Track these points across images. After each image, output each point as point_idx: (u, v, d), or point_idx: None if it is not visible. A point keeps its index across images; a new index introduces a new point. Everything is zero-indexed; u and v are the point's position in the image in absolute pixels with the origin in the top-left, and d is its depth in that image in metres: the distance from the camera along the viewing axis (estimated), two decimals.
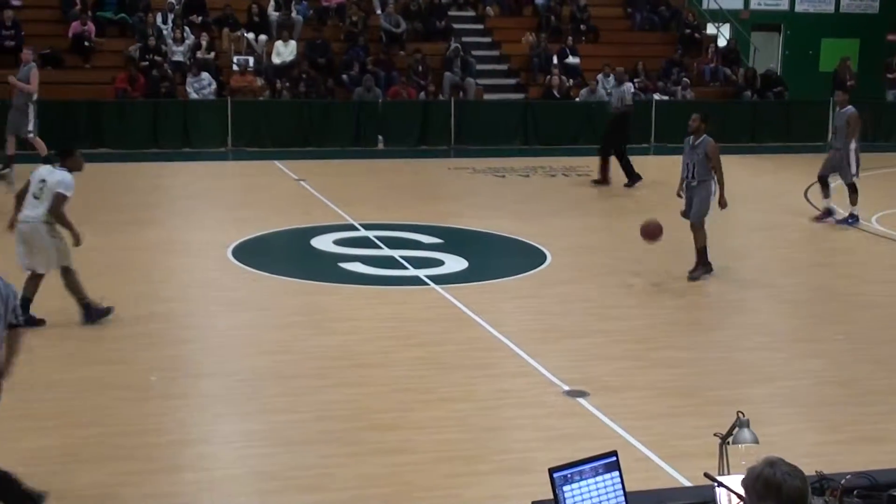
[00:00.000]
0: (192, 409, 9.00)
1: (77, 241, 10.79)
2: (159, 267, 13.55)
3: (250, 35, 25.83)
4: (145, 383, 9.40)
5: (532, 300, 12.29)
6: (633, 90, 21.82)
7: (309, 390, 9.30)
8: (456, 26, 27.82)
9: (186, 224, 16.09)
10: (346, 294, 12.40)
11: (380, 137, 24.11)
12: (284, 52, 25.39)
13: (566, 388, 9.40)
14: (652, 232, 12.73)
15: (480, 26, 28.69)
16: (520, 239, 15.24)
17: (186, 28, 25.29)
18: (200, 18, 25.93)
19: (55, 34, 25.05)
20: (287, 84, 24.74)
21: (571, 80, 26.34)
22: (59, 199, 10.65)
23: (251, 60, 25.09)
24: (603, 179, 19.87)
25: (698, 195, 13.12)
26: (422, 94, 25.23)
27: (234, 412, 8.94)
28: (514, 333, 10.91)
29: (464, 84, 25.69)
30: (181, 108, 23.47)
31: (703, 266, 13.22)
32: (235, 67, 24.76)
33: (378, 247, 14.58)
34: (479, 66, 26.72)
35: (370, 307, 11.92)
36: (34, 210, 10.69)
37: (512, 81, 27.21)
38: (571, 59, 26.98)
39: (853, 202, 16.81)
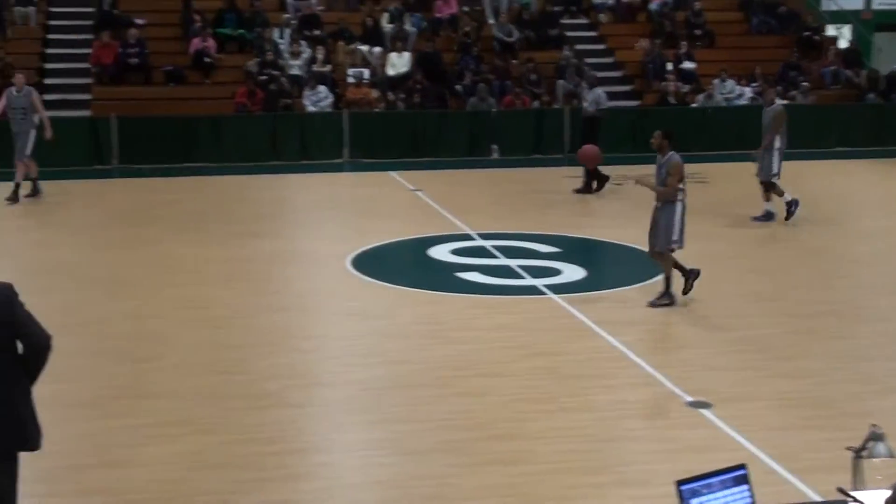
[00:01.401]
0: (311, 417, 9.08)
1: None
2: (278, 277, 13.71)
3: (365, 47, 26.05)
4: (264, 392, 9.50)
5: (651, 310, 12.12)
6: (605, 95, 21.32)
7: (429, 400, 9.31)
8: (569, 34, 27.71)
9: (305, 235, 16.27)
10: (463, 304, 12.39)
11: (494, 147, 24.09)
12: (399, 63, 25.56)
13: (688, 398, 9.25)
14: (589, 156, 12.45)
15: (593, 33, 28.52)
16: (637, 248, 15.06)
17: (303, 42, 25.63)
18: (316, 32, 26.24)
19: (177, 51, 25.60)
20: (402, 95, 24.90)
21: (687, 86, 26.03)
22: None
23: (366, 72, 25.29)
24: (586, 187, 19.44)
25: (663, 218, 12.12)
26: (535, 103, 25.17)
27: (354, 421, 8.98)
28: (634, 343, 10.79)
29: (578, 92, 25.55)
30: (299, 121, 23.78)
31: (667, 296, 12.16)
32: (351, 80, 24.99)
33: (495, 256, 14.56)
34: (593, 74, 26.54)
35: (488, 317, 11.90)
36: None
37: (626, 88, 26.97)
38: (687, 65, 26.66)
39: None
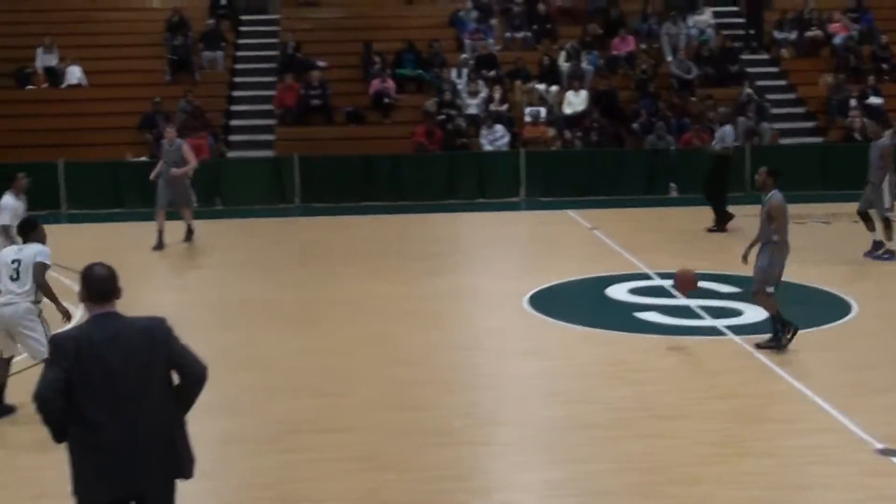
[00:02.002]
0: (493, 456, 9.11)
1: (66, 315, 10.04)
2: (457, 315, 13.84)
3: (542, 86, 26.18)
4: (447, 428, 9.58)
5: (838, 352, 11.80)
6: (733, 133, 20.72)
7: (609, 441, 9.24)
8: (749, 70, 27.30)
9: (482, 273, 16.39)
10: (642, 344, 12.27)
11: (672, 185, 23.87)
12: (575, 101, 25.59)
13: (878, 445, 8.95)
14: (684, 280, 12.01)
15: (775, 69, 28.04)
16: (822, 288, 14.70)
17: (480, 81, 25.90)
18: (493, 72, 26.50)
19: (357, 92, 26.21)
20: (578, 133, 24.91)
21: (874, 122, 25.26)
22: (39, 270, 9.90)
23: (543, 111, 25.40)
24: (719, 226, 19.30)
25: (760, 259, 11.80)
26: None
27: (535, 461, 8.98)
28: (819, 387, 10.49)
29: (758, 129, 25.13)
30: (476, 160, 24.01)
31: (776, 338, 11.71)
32: (528, 118, 25.13)
33: (673, 296, 14.39)
34: (774, 110, 26.08)
35: (667, 357, 11.76)
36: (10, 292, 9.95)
37: (809, 125, 26.39)
38: (873, 100, 25.92)
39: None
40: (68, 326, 9.69)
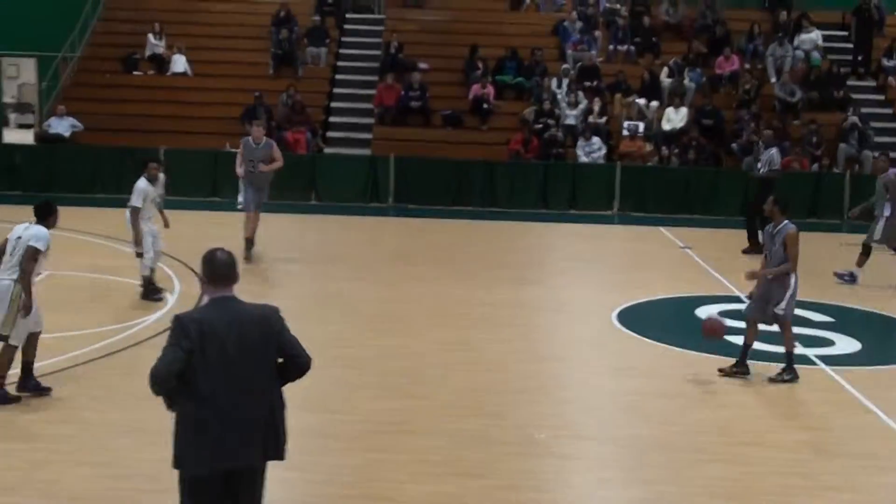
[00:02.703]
0: (574, 470, 9.11)
1: (25, 309, 9.81)
2: (544, 326, 13.85)
3: (642, 101, 26.06)
4: (528, 439, 9.60)
5: None
6: (779, 156, 20.25)
7: (689, 464, 9.18)
8: (855, 96, 26.89)
9: (572, 285, 16.37)
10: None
11: None
12: (675, 118, 25.43)
13: None
14: (712, 329, 11.62)
15: (881, 97, 27.58)
16: None
17: (580, 93, 25.86)
18: (594, 83, 26.42)
19: (456, 96, 26.31)
20: (676, 150, 24.74)
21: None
22: (29, 254, 9.85)
23: (641, 126, 25.28)
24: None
25: (775, 291, 11.45)
26: (815, 166, 24.51)
27: (615, 477, 8.95)
28: None
29: (860, 157, 24.75)
30: (571, 171, 23.98)
31: (788, 370, 11.50)
32: (626, 132, 25.03)
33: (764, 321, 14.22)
34: (878, 139, 25.65)
35: (754, 383, 11.63)
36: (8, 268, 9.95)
37: None
38: None
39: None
40: (33, 318, 9.88)
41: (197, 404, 5.86)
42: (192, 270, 15.53)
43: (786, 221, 11.45)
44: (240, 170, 17.08)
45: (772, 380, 11.57)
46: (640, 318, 14.23)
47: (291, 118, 24.86)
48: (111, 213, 17.75)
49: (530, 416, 10.25)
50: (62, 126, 24.63)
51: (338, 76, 27.85)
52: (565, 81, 26.40)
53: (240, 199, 17.31)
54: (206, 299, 6.11)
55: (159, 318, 13.24)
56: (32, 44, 29.50)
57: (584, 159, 24.46)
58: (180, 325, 5.88)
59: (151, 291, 14.11)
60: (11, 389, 10.10)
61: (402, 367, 11.66)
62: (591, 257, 18.87)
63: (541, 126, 24.93)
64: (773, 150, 20.00)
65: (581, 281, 16.71)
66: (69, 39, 27.82)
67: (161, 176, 14.40)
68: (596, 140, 24.58)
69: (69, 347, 11.68)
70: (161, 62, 27.21)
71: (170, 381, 5.83)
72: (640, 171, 24.09)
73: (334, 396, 10.34)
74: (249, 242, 16.98)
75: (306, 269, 17.03)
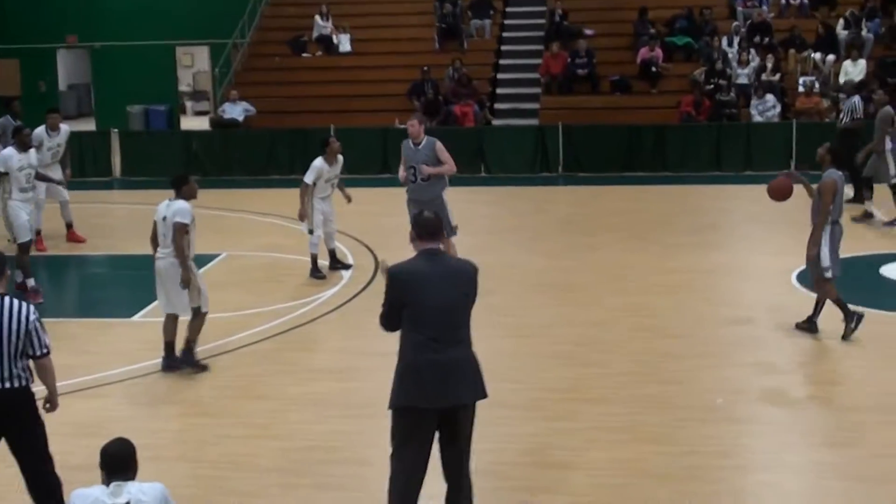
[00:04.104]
0: (756, 434, 8.88)
1: (185, 282, 10.19)
2: (723, 289, 13.55)
3: (817, 55, 25.21)
4: (709, 404, 9.41)
5: None
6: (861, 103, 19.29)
7: (876, 427, 8.86)
8: None
9: (749, 247, 15.97)
10: None
11: None
12: (853, 72, 24.47)
13: None
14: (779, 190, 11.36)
15: None
16: None
17: (752, 50, 25.16)
18: (766, 40, 25.68)
19: (625, 61, 25.92)
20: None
21: None
22: (177, 229, 10.14)
23: (817, 81, 24.46)
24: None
25: (814, 245, 11.27)
26: None
27: (799, 442, 8.71)
28: None
29: None
30: (744, 131, 23.33)
31: (848, 318, 11.11)
32: (801, 89, 24.26)
33: None
34: None
35: None
36: (165, 247, 10.35)
37: None
38: None
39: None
40: (198, 287, 10.29)
41: (413, 348, 6.47)
42: (366, 246, 15.74)
43: (831, 170, 11.16)
44: (402, 176, 13.51)
45: (844, 338, 11.10)
46: None
47: (458, 92, 24.88)
48: (285, 193, 18.09)
49: (709, 381, 10.04)
50: (236, 111, 25.21)
51: (503, 47, 27.75)
52: (736, 39, 25.72)
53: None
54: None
55: (334, 293, 13.43)
56: (204, 32, 30.34)
57: (758, 119, 23.78)
58: (391, 276, 6.55)
59: (315, 270, 14.18)
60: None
61: (577, 335, 11.57)
62: (768, 219, 18.30)
63: (711, 87, 24.36)
64: (856, 98, 19.47)
65: (758, 243, 16.26)
66: (239, 25, 28.45)
67: (339, 157, 14.38)
68: (770, 98, 23.87)
69: (248, 325, 11.96)
70: (329, 43, 27.58)
71: (392, 323, 6.58)
72: (818, 127, 23.27)
73: (509, 366, 10.31)
74: None
75: (478, 240, 17.00)
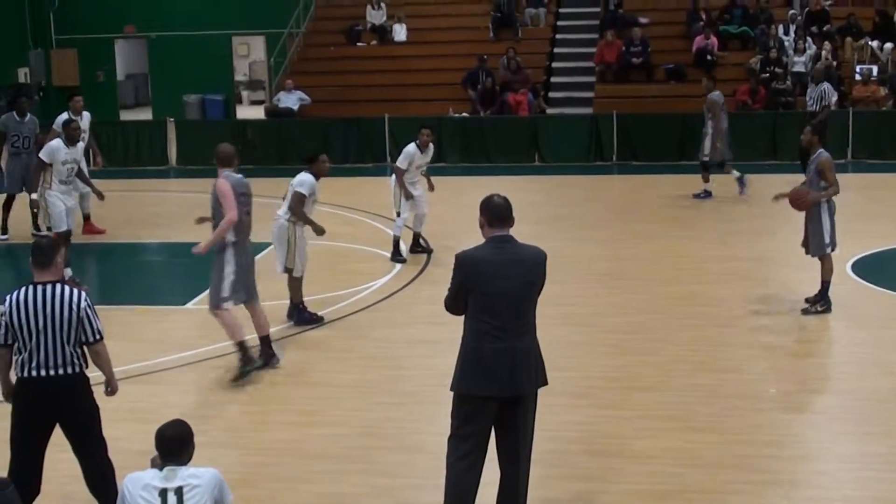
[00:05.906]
0: (808, 424, 8.85)
1: (318, 232, 11.33)
2: (775, 278, 13.47)
3: (874, 43, 24.90)
4: (762, 394, 9.36)
5: None
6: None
7: None
8: None
9: (801, 236, 15.78)
10: None
11: None
12: None
13: None
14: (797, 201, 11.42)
15: None
16: None
17: (808, 38, 24.90)
18: (823, 28, 25.40)
19: (679, 49, 25.79)
20: None
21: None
22: (295, 197, 11.30)
23: (875, 69, 24.16)
24: None
25: (812, 222, 11.62)
26: None
27: (851, 432, 8.64)
28: None
29: None
30: (800, 120, 23.04)
31: (820, 301, 11.60)
32: (858, 77, 23.97)
33: None
34: None
35: None
36: (279, 210, 11.57)
37: None
38: None
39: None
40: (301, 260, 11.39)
41: (478, 334, 6.43)
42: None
43: (820, 150, 11.49)
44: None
45: (805, 312, 11.47)
46: (877, 268, 13.67)
47: (513, 80, 24.86)
48: (340, 182, 18.18)
49: (761, 370, 10.00)
50: (291, 100, 25.35)
51: (558, 36, 27.68)
52: (792, 27, 25.47)
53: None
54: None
55: (386, 282, 13.50)
56: (260, 22, 30.54)
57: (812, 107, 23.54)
58: (458, 262, 6.50)
59: (396, 252, 14.41)
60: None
61: (630, 323, 11.55)
62: None
63: (767, 75, 24.14)
64: (825, 85, 20.04)
65: None
66: (294, 15, 28.59)
67: (431, 146, 14.63)
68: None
69: None
70: (383, 32, 27.65)
71: (457, 308, 6.56)
72: (875, 116, 23.01)
73: (561, 354, 10.28)
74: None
75: (531, 229, 16.99)
